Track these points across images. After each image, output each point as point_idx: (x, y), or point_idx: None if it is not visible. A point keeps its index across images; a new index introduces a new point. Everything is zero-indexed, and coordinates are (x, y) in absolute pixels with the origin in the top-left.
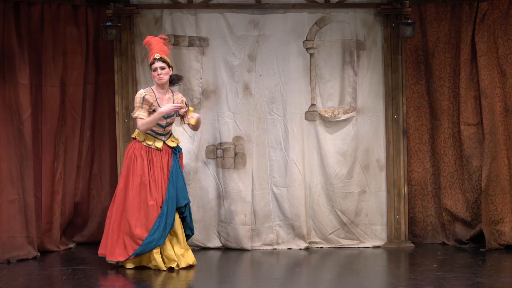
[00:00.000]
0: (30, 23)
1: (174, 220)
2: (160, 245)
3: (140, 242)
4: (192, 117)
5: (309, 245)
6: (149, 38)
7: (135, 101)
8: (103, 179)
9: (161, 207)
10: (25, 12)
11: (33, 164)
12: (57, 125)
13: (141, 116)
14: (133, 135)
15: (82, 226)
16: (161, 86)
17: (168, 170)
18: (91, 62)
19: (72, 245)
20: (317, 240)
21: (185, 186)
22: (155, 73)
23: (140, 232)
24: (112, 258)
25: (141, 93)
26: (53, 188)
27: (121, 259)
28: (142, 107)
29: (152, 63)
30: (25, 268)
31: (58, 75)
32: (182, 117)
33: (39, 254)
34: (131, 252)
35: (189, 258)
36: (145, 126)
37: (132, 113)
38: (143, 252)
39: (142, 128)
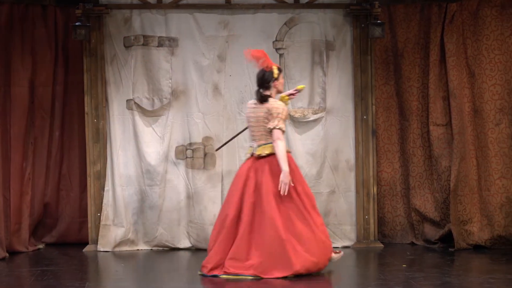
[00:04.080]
0: None
1: None
2: None
3: None
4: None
5: None
6: (262, 53)
7: (283, 112)
8: (72, 179)
9: None
10: None
11: (2, 164)
12: (26, 126)
13: (284, 129)
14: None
15: (51, 226)
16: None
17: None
18: (60, 62)
19: (41, 246)
20: None
21: None
22: (282, 81)
23: None
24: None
25: (283, 104)
26: (22, 188)
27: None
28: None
29: (280, 71)
30: None
31: (27, 75)
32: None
33: (7, 255)
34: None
35: None
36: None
37: (272, 124)
38: None
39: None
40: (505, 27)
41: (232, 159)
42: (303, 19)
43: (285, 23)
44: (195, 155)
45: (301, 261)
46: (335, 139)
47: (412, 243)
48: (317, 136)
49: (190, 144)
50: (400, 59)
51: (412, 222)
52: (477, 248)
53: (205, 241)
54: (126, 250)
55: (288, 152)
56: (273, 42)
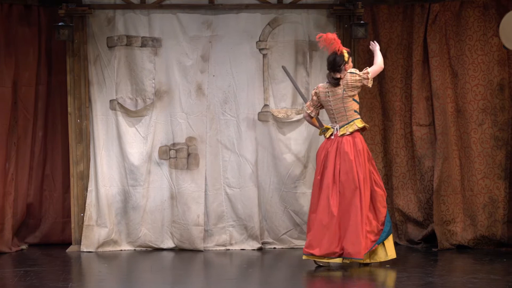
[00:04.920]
0: None
1: None
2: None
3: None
4: None
5: (262, 246)
6: (334, 37)
7: (357, 72)
8: (55, 180)
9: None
10: None
11: None
12: (9, 126)
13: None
14: (361, 125)
15: (34, 227)
16: None
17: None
18: (43, 62)
19: (24, 246)
20: (270, 240)
21: None
22: (352, 65)
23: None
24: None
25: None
26: (5, 189)
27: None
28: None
29: (349, 55)
30: None
31: (10, 75)
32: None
33: None
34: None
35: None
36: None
37: (368, 82)
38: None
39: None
40: (487, 27)
41: (216, 159)
42: (286, 20)
43: (268, 23)
44: (179, 155)
45: (343, 243)
46: (318, 140)
47: (396, 243)
48: (300, 136)
49: (174, 144)
50: (383, 60)
51: (396, 222)
52: (460, 248)
53: (188, 241)
54: (110, 251)
55: (363, 129)
56: (257, 42)
